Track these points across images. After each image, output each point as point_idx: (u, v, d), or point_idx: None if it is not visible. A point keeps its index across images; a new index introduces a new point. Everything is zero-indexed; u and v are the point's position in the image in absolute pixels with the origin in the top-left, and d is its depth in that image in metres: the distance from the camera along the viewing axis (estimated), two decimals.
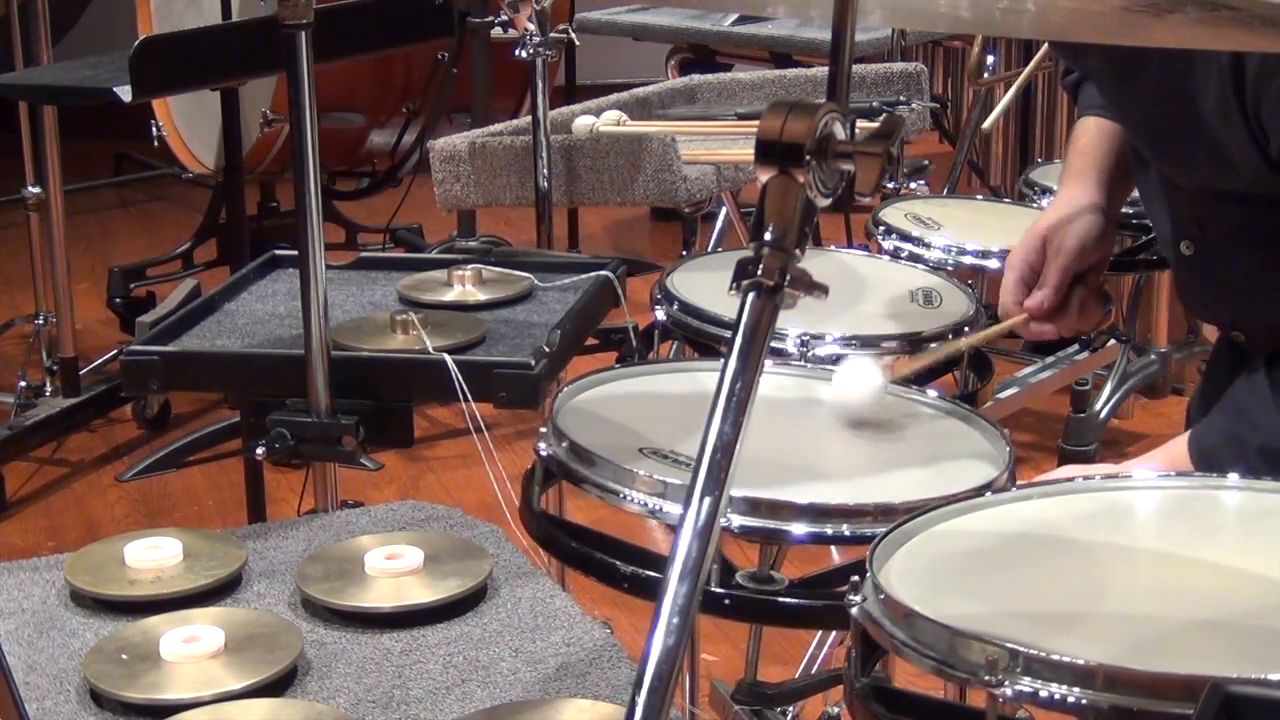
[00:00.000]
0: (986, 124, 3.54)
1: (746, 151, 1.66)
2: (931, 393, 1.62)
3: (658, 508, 1.38)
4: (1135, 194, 1.87)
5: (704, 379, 1.66)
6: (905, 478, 1.46)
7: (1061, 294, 1.77)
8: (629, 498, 1.40)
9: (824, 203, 1.08)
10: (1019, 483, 1.40)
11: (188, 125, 4.25)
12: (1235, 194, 1.56)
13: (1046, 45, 3.62)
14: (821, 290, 1.09)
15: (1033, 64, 3.36)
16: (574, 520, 1.53)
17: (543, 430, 1.50)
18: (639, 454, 1.45)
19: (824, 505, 1.36)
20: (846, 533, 1.35)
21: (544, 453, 1.48)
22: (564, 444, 1.47)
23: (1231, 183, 1.55)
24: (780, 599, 1.37)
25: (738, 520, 1.35)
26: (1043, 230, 1.79)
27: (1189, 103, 1.52)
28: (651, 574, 1.38)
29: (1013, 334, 1.88)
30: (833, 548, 1.60)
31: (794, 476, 1.44)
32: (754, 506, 1.35)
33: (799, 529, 1.35)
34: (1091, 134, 1.86)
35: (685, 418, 1.54)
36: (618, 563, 1.41)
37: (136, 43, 2.96)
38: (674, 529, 1.04)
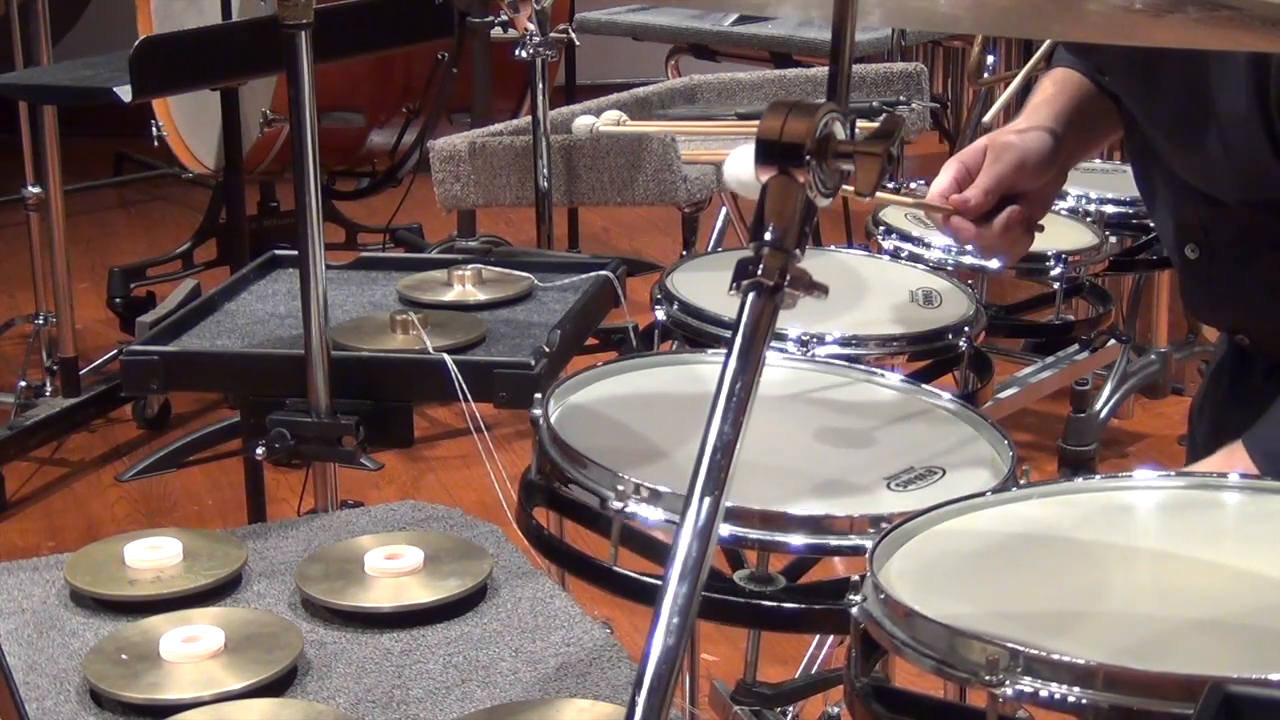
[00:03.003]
0: (987, 118, 3.54)
1: None
2: (945, 395, 1.61)
3: (645, 519, 1.34)
4: (1135, 193, 1.87)
5: (688, 371, 1.66)
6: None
7: (989, 200, 1.73)
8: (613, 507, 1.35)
9: (824, 203, 1.08)
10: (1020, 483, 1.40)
11: (188, 125, 4.25)
12: (1243, 198, 1.55)
13: (1046, 44, 3.61)
14: (821, 290, 1.09)
15: (1030, 64, 3.35)
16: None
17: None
18: (630, 464, 1.41)
19: (822, 516, 1.33)
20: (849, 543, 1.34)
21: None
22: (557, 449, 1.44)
23: (1246, 184, 1.54)
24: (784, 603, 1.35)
25: (735, 530, 1.32)
26: (987, 139, 1.77)
27: (1209, 98, 1.52)
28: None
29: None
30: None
31: (792, 483, 1.43)
32: (751, 517, 1.32)
33: (798, 540, 1.33)
34: (1058, 81, 1.82)
35: (671, 415, 1.54)
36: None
37: (136, 43, 2.96)
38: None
